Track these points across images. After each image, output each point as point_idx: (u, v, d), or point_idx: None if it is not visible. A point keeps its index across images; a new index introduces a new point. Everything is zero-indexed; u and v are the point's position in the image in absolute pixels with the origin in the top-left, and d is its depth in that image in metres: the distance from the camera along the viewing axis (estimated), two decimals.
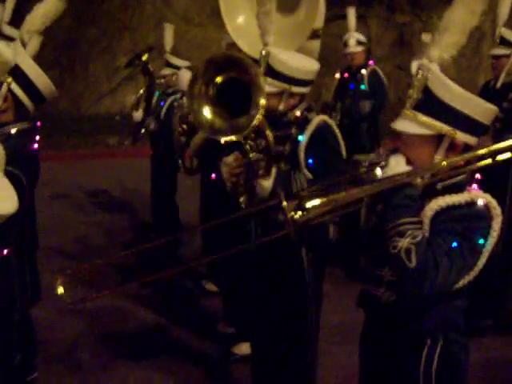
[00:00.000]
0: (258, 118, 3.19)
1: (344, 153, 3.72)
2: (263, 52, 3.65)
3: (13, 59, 3.16)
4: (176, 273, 5.50)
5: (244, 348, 4.92)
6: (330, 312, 4.22)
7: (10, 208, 2.71)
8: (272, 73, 3.59)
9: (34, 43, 3.66)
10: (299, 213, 2.35)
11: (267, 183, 3.48)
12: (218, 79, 3.31)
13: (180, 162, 5.49)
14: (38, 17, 3.66)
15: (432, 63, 2.51)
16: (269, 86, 3.55)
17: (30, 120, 3.57)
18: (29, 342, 3.90)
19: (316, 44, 4.40)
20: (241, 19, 4.44)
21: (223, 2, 4.44)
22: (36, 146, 3.50)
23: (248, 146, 3.49)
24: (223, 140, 3.36)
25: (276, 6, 3.99)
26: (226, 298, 5.42)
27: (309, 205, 2.36)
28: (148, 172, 7.61)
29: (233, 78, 3.28)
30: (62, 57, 15.52)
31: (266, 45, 3.67)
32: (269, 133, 3.45)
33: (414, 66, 6.69)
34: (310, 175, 3.55)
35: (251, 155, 3.49)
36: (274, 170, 3.50)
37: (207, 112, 3.32)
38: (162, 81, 7.25)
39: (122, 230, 8.36)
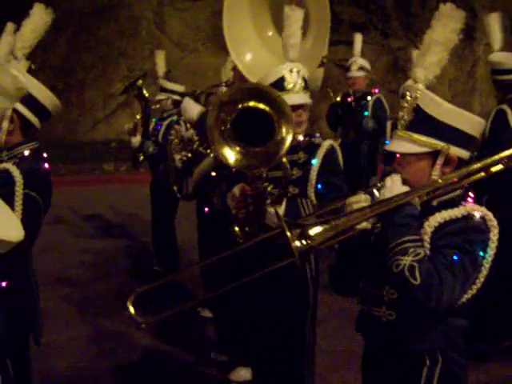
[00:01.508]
0: (287, 143, 3.14)
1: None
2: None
3: (27, 84, 3.15)
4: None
5: (242, 373, 4.88)
6: (324, 336, 4.21)
7: (18, 235, 2.64)
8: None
9: (21, 68, 3.64)
10: (303, 241, 2.36)
11: (279, 210, 3.47)
12: (237, 112, 3.20)
13: (176, 188, 5.48)
14: (28, 32, 3.65)
15: (418, 83, 2.57)
16: None
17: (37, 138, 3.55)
18: (25, 371, 3.83)
19: (320, 72, 4.41)
20: (249, 55, 4.44)
21: (229, 37, 4.44)
22: (47, 164, 3.49)
23: (264, 174, 3.49)
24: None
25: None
26: (221, 325, 5.37)
27: (311, 233, 2.37)
28: (143, 198, 7.61)
29: (249, 108, 3.22)
30: (58, 83, 15.54)
31: (292, 61, 3.73)
32: (285, 160, 3.47)
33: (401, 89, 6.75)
34: (314, 200, 3.58)
35: (265, 184, 3.48)
36: (284, 199, 3.53)
37: (233, 153, 3.22)
38: (158, 106, 7.28)
39: (119, 255, 8.32)
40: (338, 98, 8.06)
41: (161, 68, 7.39)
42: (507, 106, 5.15)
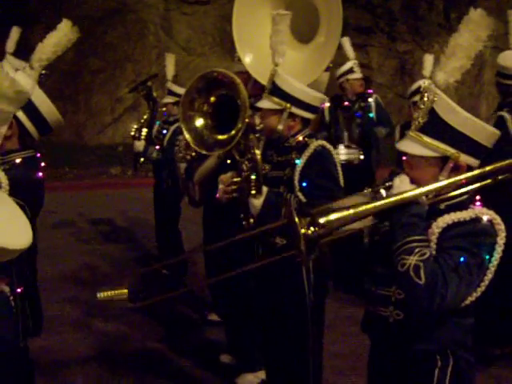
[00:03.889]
0: (238, 135, 3.46)
1: (341, 179, 3.72)
2: (272, 71, 3.72)
3: (31, 90, 3.15)
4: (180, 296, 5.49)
5: (248, 379, 4.86)
6: (332, 341, 4.18)
7: (25, 242, 2.59)
8: (274, 90, 3.69)
9: (34, 74, 3.64)
10: (311, 228, 2.33)
11: (257, 202, 3.57)
12: (213, 95, 3.63)
13: (186, 196, 5.45)
14: (50, 46, 3.63)
15: (437, 87, 2.52)
16: (269, 102, 3.69)
17: (35, 148, 3.55)
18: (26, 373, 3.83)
19: (325, 76, 4.41)
20: (254, 51, 4.45)
21: (237, 33, 4.44)
22: (41, 174, 3.48)
23: (244, 166, 3.58)
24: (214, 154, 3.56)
25: (294, 36, 4.13)
26: (230, 329, 5.36)
27: (322, 220, 2.33)
28: (150, 201, 7.61)
29: (225, 95, 3.52)
30: (65, 88, 15.59)
31: (276, 65, 3.72)
32: (257, 152, 3.55)
33: (414, 87, 6.70)
34: (303, 198, 3.57)
35: (245, 174, 3.56)
36: (265, 190, 3.56)
37: (199, 123, 3.61)
38: (164, 109, 7.26)
39: (126, 258, 8.33)
40: (328, 104, 7.82)
41: (170, 71, 7.38)
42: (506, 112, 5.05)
